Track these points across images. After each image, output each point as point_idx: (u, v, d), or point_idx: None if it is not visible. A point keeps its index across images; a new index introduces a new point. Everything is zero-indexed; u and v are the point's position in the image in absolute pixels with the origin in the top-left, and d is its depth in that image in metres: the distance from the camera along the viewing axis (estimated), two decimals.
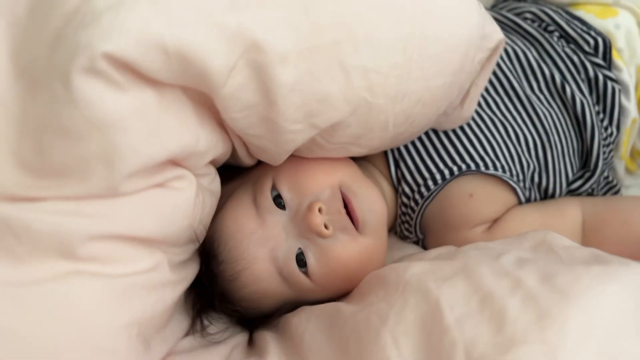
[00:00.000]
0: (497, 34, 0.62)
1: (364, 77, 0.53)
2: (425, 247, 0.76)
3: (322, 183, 0.63)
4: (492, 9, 0.89)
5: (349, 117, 0.55)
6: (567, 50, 0.76)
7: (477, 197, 0.70)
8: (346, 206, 0.63)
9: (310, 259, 0.61)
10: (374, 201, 0.66)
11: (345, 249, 0.61)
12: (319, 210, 0.60)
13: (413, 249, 0.76)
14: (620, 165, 0.81)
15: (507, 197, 0.72)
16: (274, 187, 0.63)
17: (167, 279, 0.54)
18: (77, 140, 0.44)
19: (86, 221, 0.47)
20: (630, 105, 0.76)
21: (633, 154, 0.83)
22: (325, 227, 0.60)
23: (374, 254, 0.65)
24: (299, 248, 0.61)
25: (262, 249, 0.61)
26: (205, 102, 0.52)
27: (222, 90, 0.49)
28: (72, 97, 0.43)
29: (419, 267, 0.54)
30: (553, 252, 0.54)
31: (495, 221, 0.72)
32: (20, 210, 0.45)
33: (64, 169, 0.46)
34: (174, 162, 0.52)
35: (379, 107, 0.55)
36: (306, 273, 0.62)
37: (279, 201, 0.62)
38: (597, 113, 0.75)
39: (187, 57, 0.46)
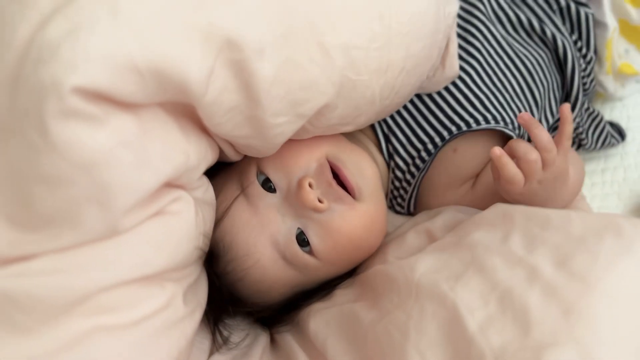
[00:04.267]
0: None
1: (345, 54, 0.50)
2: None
3: (308, 157, 0.61)
4: None
5: (335, 99, 0.53)
6: None
7: (461, 151, 0.68)
8: (337, 176, 0.61)
9: (312, 237, 0.60)
10: (363, 166, 0.64)
11: (345, 219, 0.60)
12: (310, 185, 0.58)
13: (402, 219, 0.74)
14: (607, 81, 0.78)
15: (490, 147, 0.69)
16: (260, 172, 0.61)
17: (184, 312, 0.51)
18: (63, 186, 0.40)
19: (90, 274, 0.43)
20: (606, 18, 0.74)
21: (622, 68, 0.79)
22: (320, 201, 0.58)
23: (376, 218, 0.64)
24: (298, 228, 0.60)
25: (260, 236, 0.59)
26: (185, 112, 0.48)
27: (205, 99, 0.45)
28: (51, 145, 0.38)
29: (426, 265, 0.52)
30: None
31: (477, 176, 0.70)
32: (16, 277, 0.41)
33: (55, 218, 0.41)
34: (167, 184, 0.48)
35: (363, 84, 0.53)
36: (310, 252, 0.60)
37: (268, 185, 0.61)
38: (575, 43, 0.74)
39: (161, 72, 0.41)
